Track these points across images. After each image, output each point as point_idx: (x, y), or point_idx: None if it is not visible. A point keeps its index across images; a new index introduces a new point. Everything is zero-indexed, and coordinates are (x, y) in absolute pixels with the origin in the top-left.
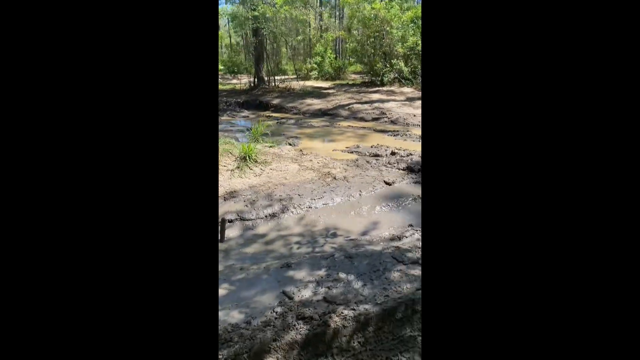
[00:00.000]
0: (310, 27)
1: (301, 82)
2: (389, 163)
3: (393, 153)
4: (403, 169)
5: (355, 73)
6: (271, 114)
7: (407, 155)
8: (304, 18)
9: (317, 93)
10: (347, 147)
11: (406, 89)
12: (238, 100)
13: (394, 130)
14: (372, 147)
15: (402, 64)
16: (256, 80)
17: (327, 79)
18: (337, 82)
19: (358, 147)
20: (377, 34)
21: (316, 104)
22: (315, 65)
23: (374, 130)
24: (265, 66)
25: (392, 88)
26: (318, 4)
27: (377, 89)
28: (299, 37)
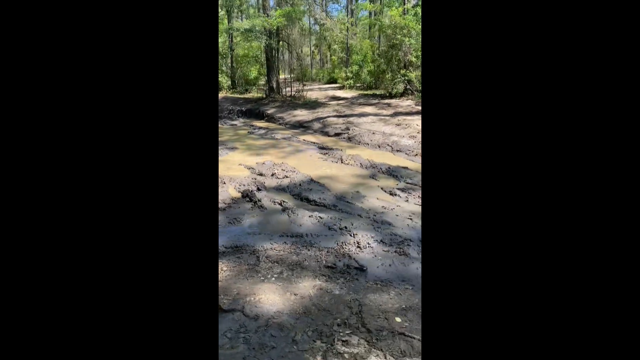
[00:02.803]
0: (331, 35)
1: (325, 92)
2: (252, 181)
3: (272, 174)
4: (242, 191)
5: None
6: (257, 123)
7: (283, 177)
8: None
9: (312, 104)
10: (257, 163)
11: (406, 102)
12: (241, 109)
13: (332, 148)
14: (273, 164)
15: (411, 74)
16: (267, 89)
17: (365, 88)
18: (369, 92)
19: (264, 163)
20: (396, 43)
21: (301, 115)
22: (350, 75)
23: (317, 146)
24: (277, 75)
25: (398, 101)
26: (348, 14)
27: (386, 101)
28: (306, 48)
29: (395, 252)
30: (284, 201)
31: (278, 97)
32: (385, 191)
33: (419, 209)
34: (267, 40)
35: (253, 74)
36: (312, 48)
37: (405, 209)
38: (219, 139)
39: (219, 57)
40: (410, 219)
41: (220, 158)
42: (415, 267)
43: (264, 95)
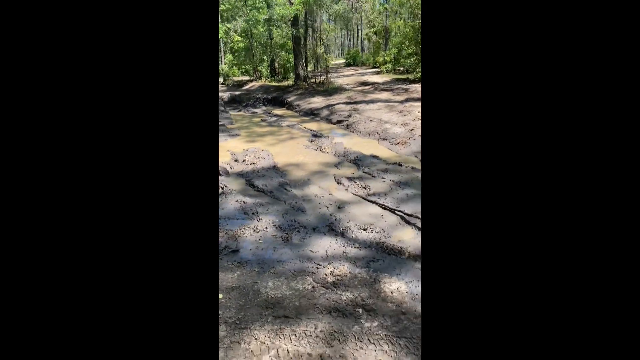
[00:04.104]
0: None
1: (360, 77)
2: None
3: (244, 160)
4: None
5: None
6: (276, 111)
7: (251, 164)
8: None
9: (332, 91)
10: (244, 149)
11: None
12: (267, 97)
13: (325, 136)
14: (256, 151)
15: None
16: (295, 77)
17: (404, 72)
18: (404, 76)
19: (248, 150)
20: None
21: (315, 102)
22: (388, 58)
23: (312, 134)
24: (304, 63)
25: (417, 85)
26: None
27: (406, 86)
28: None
29: (281, 237)
30: (226, 186)
31: (302, 85)
32: (335, 179)
33: (347, 197)
34: (288, 28)
35: (289, 62)
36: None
37: (336, 197)
38: (232, 125)
39: (260, 46)
40: (327, 207)
41: (220, 143)
42: (282, 252)
43: (293, 83)
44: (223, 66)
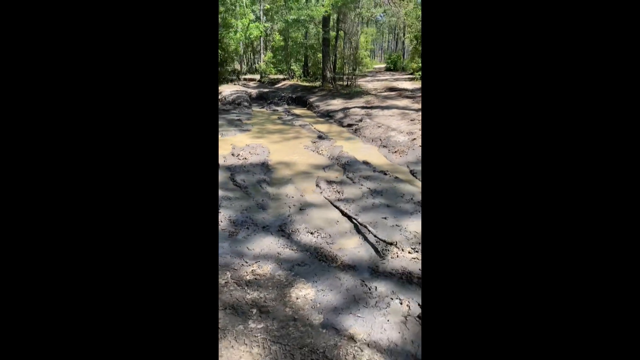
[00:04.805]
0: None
1: (391, 82)
2: None
3: (238, 155)
4: None
5: None
6: (296, 110)
7: (243, 159)
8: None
9: (353, 94)
10: (247, 144)
11: None
12: (292, 96)
13: (329, 138)
14: (256, 147)
15: None
16: (322, 78)
17: None
18: None
19: (250, 145)
20: None
21: (334, 105)
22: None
23: (318, 135)
24: (331, 64)
25: None
26: None
27: None
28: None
29: (229, 232)
30: None
31: (327, 86)
32: (316, 182)
33: (317, 200)
34: (316, 29)
35: (320, 63)
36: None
37: (305, 199)
38: (248, 121)
39: (296, 45)
40: (290, 207)
41: (227, 137)
42: (220, 247)
43: (320, 84)
44: (261, 64)
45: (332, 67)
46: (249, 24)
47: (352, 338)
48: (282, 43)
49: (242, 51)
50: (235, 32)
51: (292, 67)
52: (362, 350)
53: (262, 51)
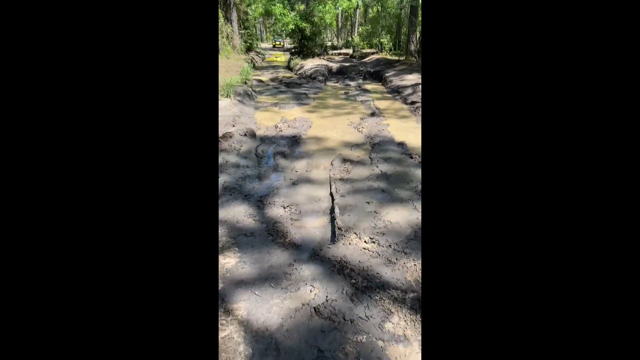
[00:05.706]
0: None
1: None
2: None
3: (276, 127)
4: (225, 133)
5: None
6: (368, 85)
7: (279, 131)
8: None
9: None
10: (295, 118)
11: None
12: (369, 70)
13: (382, 115)
14: (298, 120)
15: None
16: (406, 52)
17: None
18: None
19: (295, 119)
20: None
21: (408, 80)
22: None
23: (371, 112)
24: (417, 37)
25: None
26: None
27: None
28: None
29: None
30: (239, 147)
31: (409, 60)
32: (333, 160)
33: (320, 177)
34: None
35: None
36: None
37: (307, 175)
38: (315, 95)
39: (389, 17)
40: (284, 181)
41: (283, 110)
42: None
43: (404, 58)
44: (354, 37)
45: (417, 39)
46: None
47: (230, 312)
48: (376, 15)
49: (339, 25)
50: (325, 4)
51: (381, 40)
52: (230, 326)
53: (356, 24)
